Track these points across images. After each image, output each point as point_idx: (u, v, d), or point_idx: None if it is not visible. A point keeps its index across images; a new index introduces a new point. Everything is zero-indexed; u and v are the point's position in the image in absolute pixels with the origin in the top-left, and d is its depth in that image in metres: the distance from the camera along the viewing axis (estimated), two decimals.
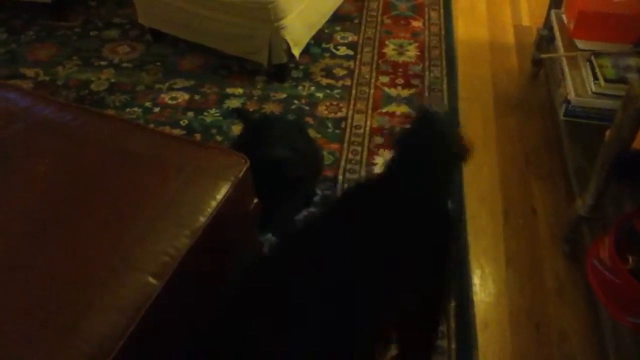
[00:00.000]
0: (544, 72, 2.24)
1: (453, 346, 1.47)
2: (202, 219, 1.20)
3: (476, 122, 2.16)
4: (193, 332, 1.13)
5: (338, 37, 2.52)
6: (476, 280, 1.64)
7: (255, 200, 1.41)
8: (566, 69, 1.87)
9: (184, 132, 2.06)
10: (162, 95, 2.22)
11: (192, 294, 1.19)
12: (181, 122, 2.10)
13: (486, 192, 1.90)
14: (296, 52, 2.20)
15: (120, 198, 1.21)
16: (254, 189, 1.40)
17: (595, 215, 1.56)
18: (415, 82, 2.29)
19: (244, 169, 1.32)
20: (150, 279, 1.08)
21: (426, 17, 2.64)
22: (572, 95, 1.79)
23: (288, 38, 2.13)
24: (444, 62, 2.39)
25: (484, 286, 1.63)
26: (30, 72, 2.35)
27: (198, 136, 2.04)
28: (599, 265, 1.43)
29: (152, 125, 2.08)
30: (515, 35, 2.58)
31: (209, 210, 1.22)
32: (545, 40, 2.21)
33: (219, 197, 1.24)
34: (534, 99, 2.24)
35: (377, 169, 1.93)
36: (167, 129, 2.07)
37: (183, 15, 2.24)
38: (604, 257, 1.41)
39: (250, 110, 2.15)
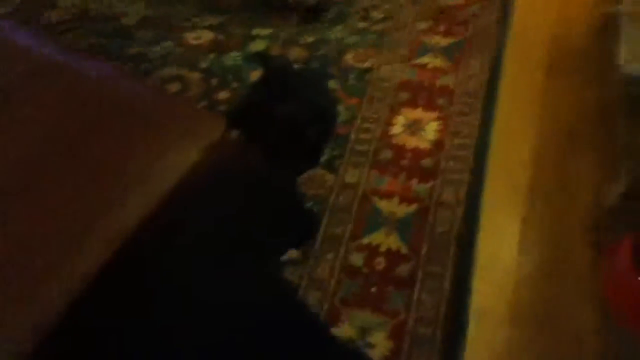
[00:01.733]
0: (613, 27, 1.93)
1: (438, 334, 1.36)
2: (168, 183, 1.14)
3: (522, 77, 1.93)
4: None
5: None
6: (480, 263, 1.50)
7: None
8: (624, 28, 1.60)
9: (201, 75, 1.98)
10: (187, 34, 2.14)
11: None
12: (200, 65, 2.02)
13: (514, 161, 1.70)
14: None
15: (92, 156, 1.16)
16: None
17: (629, 205, 1.36)
18: (460, 29, 2.06)
19: (222, 131, 1.24)
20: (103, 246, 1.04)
21: None
22: (621, 61, 1.53)
23: None
24: (497, 3, 2.12)
25: (488, 271, 1.48)
26: (65, 2, 2.32)
27: (215, 81, 1.96)
28: (617, 263, 1.25)
29: (171, 67, 2.01)
30: None
31: (176, 175, 1.16)
32: None
33: (189, 161, 1.18)
34: (597, 58, 1.94)
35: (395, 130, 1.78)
36: (185, 72, 2.00)
37: None
38: (622, 256, 1.24)
39: (274, 54, 2.03)
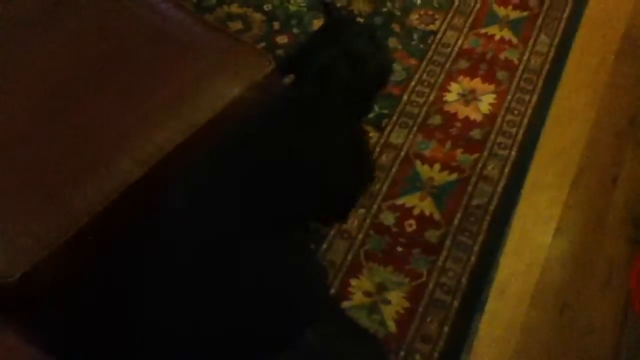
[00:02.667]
0: None
1: (455, 303, 1.37)
2: (205, 115, 1.17)
3: (589, 62, 1.84)
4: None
5: None
6: (511, 240, 1.48)
7: None
8: None
9: (263, 17, 1.99)
10: None
11: None
12: (265, 7, 2.02)
13: (566, 145, 1.65)
14: None
15: (135, 78, 1.21)
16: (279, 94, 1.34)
17: None
18: (534, 3, 1.98)
19: (267, 71, 1.25)
20: (133, 166, 1.09)
21: None
22: None
23: None
24: None
25: (518, 250, 1.47)
26: None
27: (277, 24, 1.97)
28: None
29: (235, 5, 2.03)
30: None
31: (214, 108, 1.18)
32: None
33: (229, 96, 1.20)
34: None
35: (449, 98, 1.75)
36: (249, 12, 2.01)
37: None
38: None
39: (339, 5, 2.01)
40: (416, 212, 1.52)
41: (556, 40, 1.88)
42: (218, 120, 1.17)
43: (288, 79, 1.71)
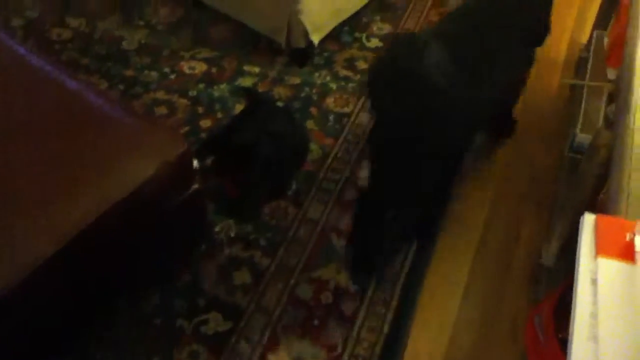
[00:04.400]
0: (577, 97, 2.03)
1: None
2: (119, 194, 1.22)
3: None
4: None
5: (374, 27, 2.42)
6: (422, 303, 1.55)
7: (195, 186, 1.41)
8: (584, 100, 1.69)
9: (189, 103, 2.08)
10: (182, 63, 2.25)
11: (93, 268, 1.23)
12: (190, 93, 2.12)
13: (473, 206, 1.78)
14: (315, 38, 2.14)
15: (56, 155, 1.25)
16: (193, 173, 1.40)
17: (558, 266, 1.42)
18: None
19: (180, 152, 1.32)
20: (43, 246, 1.12)
21: None
22: (577, 129, 1.61)
23: (306, 22, 2.08)
24: None
25: (431, 312, 1.54)
26: (74, 22, 2.45)
27: (201, 109, 2.06)
28: (537, 321, 1.30)
29: (161, 92, 2.12)
30: (568, 52, 2.36)
31: (129, 186, 1.23)
32: (583, 63, 1.99)
33: (143, 175, 1.25)
34: (561, 125, 2.04)
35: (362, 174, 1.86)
36: (174, 98, 2.10)
37: None
38: (543, 315, 1.29)
39: (260, 91, 2.13)
40: (332, 285, 1.57)
41: None
42: (130, 198, 1.22)
43: (208, 161, 1.79)
